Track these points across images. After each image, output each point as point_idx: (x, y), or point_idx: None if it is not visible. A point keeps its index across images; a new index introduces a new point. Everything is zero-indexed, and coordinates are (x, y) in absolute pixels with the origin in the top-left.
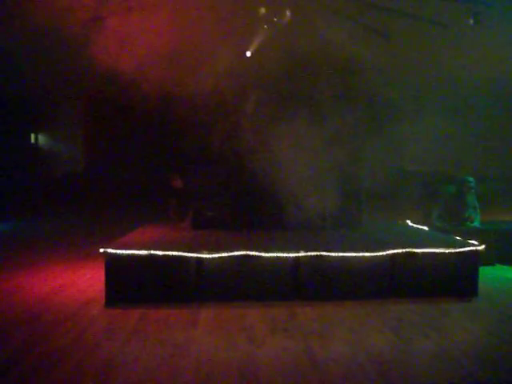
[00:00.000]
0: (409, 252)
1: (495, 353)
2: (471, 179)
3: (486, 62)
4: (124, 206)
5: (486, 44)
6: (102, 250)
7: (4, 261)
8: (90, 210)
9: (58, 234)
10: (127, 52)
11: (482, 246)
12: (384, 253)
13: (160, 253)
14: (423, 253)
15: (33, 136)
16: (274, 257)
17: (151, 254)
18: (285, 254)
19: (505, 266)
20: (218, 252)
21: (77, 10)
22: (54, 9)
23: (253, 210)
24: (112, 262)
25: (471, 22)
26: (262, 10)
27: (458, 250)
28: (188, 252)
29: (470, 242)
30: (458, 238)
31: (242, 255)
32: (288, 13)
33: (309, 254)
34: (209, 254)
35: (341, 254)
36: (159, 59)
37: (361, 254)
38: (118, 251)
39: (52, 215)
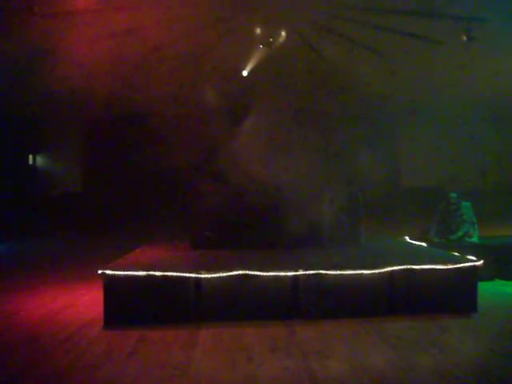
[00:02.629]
0: (407, 269)
1: (496, 369)
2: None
3: (482, 78)
4: (122, 226)
5: (480, 60)
6: (100, 272)
7: (2, 282)
8: (88, 231)
9: (56, 254)
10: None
11: (481, 262)
12: (383, 270)
13: (158, 273)
14: (422, 269)
15: (31, 157)
16: (272, 276)
17: (149, 275)
18: (283, 273)
19: (504, 281)
20: (216, 272)
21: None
22: (51, 30)
23: (250, 229)
24: (110, 284)
25: (464, 38)
26: (258, 31)
27: (456, 266)
28: (186, 272)
29: (469, 257)
30: (456, 253)
31: (240, 275)
32: (283, 33)
33: (307, 272)
34: (207, 273)
35: (339, 272)
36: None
37: (359, 272)
38: (116, 272)
39: (50, 236)
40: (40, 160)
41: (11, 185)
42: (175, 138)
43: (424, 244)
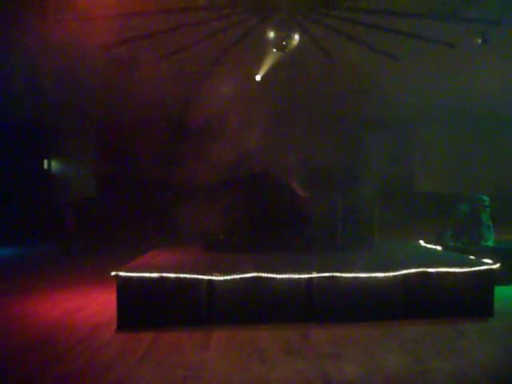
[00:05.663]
0: (423, 272)
1: None
2: (486, 198)
3: (496, 83)
4: (136, 230)
5: (495, 64)
6: (113, 273)
7: (16, 285)
8: (102, 235)
9: (68, 258)
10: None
11: (497, 265)
12: (398, 273)
13: (172, 275)
14: (437, 273)
15: (45, 162)
16: (286, 278)
17: (163, 277)
18: (297, 276)
19: None
20: (229, 274)
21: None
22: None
23: (264, 232)
24: (124, 285)
25: (479, 41)
26: (271, 34)
27: (472, 270)
28: (200, 274)
29: (485, 261)
30: (472, 257)
31: (253, 277)
32: (297, 36)
33: (321, 274)
34: (220, 276)
35: (354, 275)
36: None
37: (374, 275)
38: (130, 274)
39: (63, 240)
40: (55, 165)
41: (26, 189)
42: (192, 142)
43: (439, 248)
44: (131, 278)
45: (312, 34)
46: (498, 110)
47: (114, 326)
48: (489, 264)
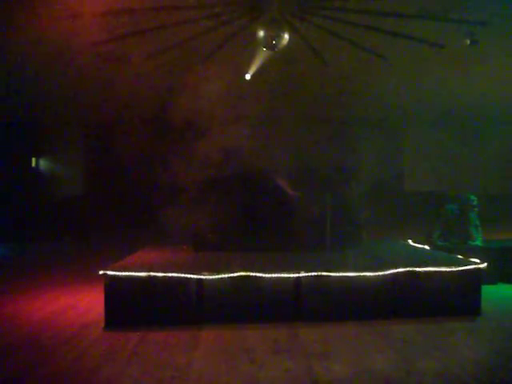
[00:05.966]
0: (411, 271)
1: (501, 372)
2: (474, 197)
3: (485, 82)
4: (124, 229)
5: (484, 64)
6: (101, 272)
7: (3, 285)
8: (91, 234)
9: (58, 257)
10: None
11: (485, 264)
12: (386, 272)
13: (160, 274)
14: (425, 272)
15: (34, 160)
16: (274, 277)
17: (151, 276)
18: (285, 275)
19: (508, 285)
20: (218, 273)
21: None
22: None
23: (253, 231)
24: (111, 284)
25: (467, 42)
26: (261, 33)
27: (460, 269)
28: (188, 273)
29: (473, 260)
30: (460, 256)
31: (242, 276)
32: (286, 36)
33: (309, 274)
34: (209, 275)
35: (342, 274)
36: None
37: (362, 274)
38: (118, 273)
39: (51, 239)
40: (43, 163)
41: (14, 188)
42: (180, 141)
43: (427, 247)
44: (119, 276)
45: (302, 33)
46: (487, 110)
47: (102, 326)
48: (476, 263)
